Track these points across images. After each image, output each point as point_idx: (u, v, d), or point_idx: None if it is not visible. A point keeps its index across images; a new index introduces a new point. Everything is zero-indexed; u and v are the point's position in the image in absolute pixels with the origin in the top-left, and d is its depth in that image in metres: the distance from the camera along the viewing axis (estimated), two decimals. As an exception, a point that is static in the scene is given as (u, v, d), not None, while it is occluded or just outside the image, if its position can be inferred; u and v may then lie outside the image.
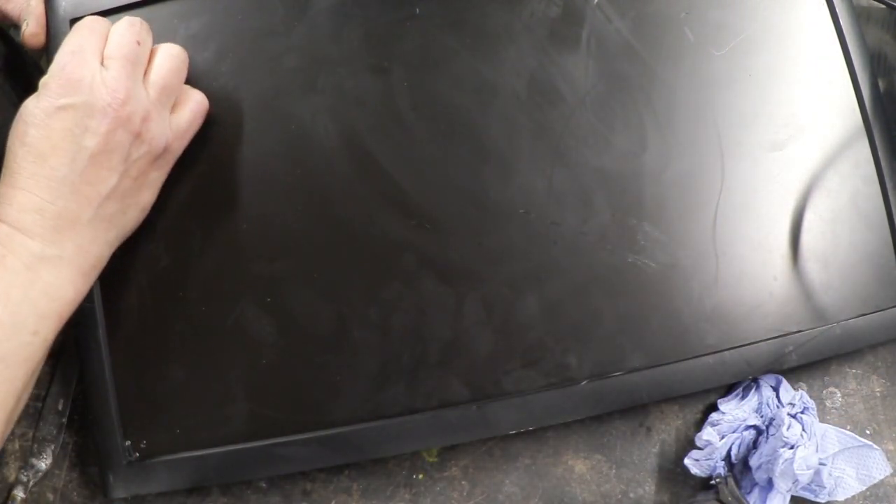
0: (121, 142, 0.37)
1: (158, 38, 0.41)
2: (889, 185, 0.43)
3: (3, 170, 0.36)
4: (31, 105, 0.36)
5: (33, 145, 0.35)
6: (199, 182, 0.43)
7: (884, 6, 0.45)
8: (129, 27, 0.38)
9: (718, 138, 0.43)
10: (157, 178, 0.40)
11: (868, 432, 0.44)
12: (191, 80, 0.42)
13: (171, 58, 0.40)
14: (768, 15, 0.44)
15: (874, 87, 0.44)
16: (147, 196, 0.40)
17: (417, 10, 0.44)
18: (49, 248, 0.35)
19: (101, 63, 0.37)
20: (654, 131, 0.43)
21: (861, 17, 0.47)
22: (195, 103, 0.41)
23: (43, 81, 0.37)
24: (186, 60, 0.41)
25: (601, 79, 0.43)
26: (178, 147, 0.41)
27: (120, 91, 0.36)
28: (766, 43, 0.44)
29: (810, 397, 0.43)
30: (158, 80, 0.39)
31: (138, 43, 0.38)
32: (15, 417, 0.36)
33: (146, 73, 0.39)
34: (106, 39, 0.38)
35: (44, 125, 0.36)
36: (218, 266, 0.42)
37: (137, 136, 0.37)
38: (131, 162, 0.37)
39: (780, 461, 0.39)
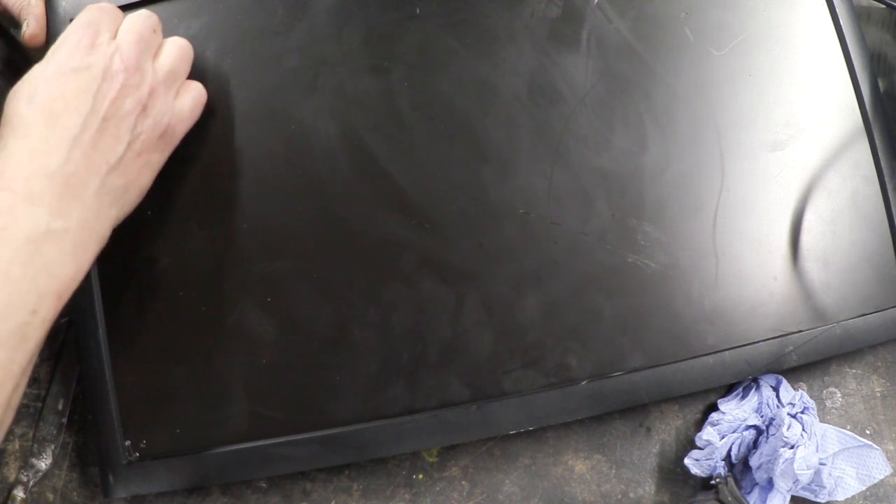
0: (129, 110, 0.37)
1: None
2: (889, 185, 0.43)
3: (2, 137, 0.35)
4: (38, 69, 0.36)
5: (44, 105, 0.35)
6: (200, 182, 0.43)
7: (884, 6, 0.45)
8: (147, 16, 0.39)
9: (718, 138, 0.43)
10: (157, 160, 0.40)
11: (868, 432, 0.44)
12: (192, 79, 0.42)
13: (178, 48, 0.41)
14: (768, 15, 0.44)
15: (874, 87, 0.44)
16: (146, 177, 0.40)
17: (417, 10, 0.44)
18: (55, 219, 0.34)
19: (113, 38, 0.38)
20: (654, 131, 0.43)
21: (861, 17, 0.47)
22: (196, 92, 0.42)
23: (52, 49, 0.37)
24: (192, 53, 0.42)
25: (601, 79, 0.43)
26: (179, 132, 0.41)
27: (131, 59, 0.37)
28: (766, 43, 0.44)
29: (810, 397, 0.43)
30: (167, 63, 0.39)
31: (153, 31, 0.39)
32: (16, 403, 0.35)
33: (155, 56, 0.40)
34: (117, 23, 0.39)
35: (56, 84, 0.35)
36: (218, 266, 0.42)
37: (144, 109, 0.37)
38: (137, 134, 0.37)
39: (781, 461, 0.39)
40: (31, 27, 0.43)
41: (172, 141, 0.41)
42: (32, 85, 0.36)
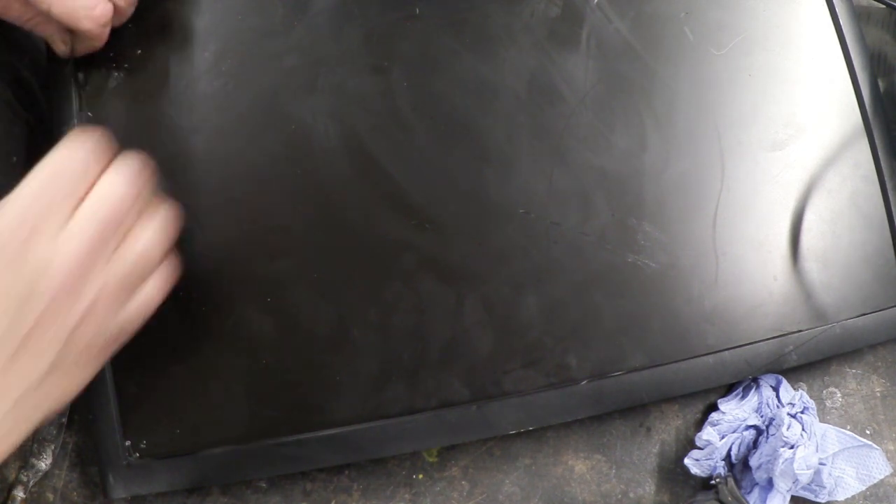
0: (61, 327, 0.30)
1: (158, 38, 0.40)
2: (889, 185, 0.43)
3: None
4: None
5: None
6: (199, 183, 0.43)
7: (884, 6, 0.45)
8: (128, 185, 0.31)
9: (718, 138, 0.43)
10: (102, 360, 0.34)
11: (868, 432, 0.44)
12: (191, 81, 0.42)
13: (154, 233, 0.33)
14: (768, 15, 0.44)
15: (874, 87, 0.44)
16: (82, 377, 0.34)
17: (417, 10, 0.44)
18: None
19: (68, 220, 0.30)
20: (654, 131, 0.43)
21: (861, 17, 0.47)
22: (161, 279, 0.35)
23: None
24: (172, 234, 0.35)
25: (601, 79, 0.43)
26: (129, 332, 0.35)
27: (73, 272, 0.30)
28: (766, 43, 0.44)
29: (810, 397, 0.43)
30: (130, 257, 0.32)
31: (128, 209, 0.32)
32: None
33: (123, 240, 0.32)
34: (86, 185, 0.31)
35: None
36: (218, 266, 0.42)
37: (82, 320, 0.31)
38: (70, 344, 0.31)
39: (780, 461, 0.39)
40: (68, 44, 0.41)
41: (119, 343, 0.35)
42: None
